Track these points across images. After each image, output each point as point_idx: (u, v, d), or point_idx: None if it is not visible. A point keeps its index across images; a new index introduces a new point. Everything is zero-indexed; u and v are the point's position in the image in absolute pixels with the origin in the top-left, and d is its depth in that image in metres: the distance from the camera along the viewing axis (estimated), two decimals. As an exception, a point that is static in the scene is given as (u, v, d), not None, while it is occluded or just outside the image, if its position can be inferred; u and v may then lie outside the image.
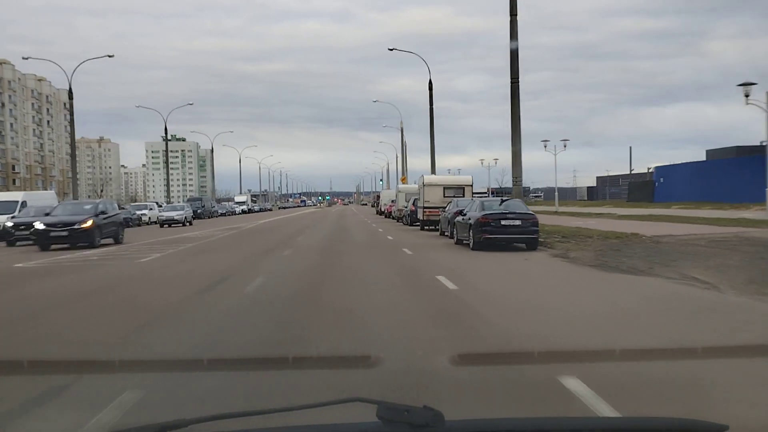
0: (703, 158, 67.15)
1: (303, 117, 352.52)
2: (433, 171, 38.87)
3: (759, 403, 4.29)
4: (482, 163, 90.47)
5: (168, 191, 70.39)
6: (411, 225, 32.69)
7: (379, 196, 70.03)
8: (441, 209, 25.17)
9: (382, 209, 56.04)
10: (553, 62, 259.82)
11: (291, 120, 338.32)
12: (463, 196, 26.60)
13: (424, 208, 28.33)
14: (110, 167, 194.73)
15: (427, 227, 28.28)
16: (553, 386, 4.56)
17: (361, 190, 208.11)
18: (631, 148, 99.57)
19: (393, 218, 44.86)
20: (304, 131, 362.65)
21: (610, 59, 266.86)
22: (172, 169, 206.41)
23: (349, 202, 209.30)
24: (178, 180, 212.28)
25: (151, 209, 49.12)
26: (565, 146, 54.55)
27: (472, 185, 29.97)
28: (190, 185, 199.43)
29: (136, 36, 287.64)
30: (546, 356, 5.58)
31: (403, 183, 51.21)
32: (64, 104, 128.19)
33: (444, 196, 27.63)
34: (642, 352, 5.81)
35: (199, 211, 58.78)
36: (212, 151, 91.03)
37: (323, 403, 1.84)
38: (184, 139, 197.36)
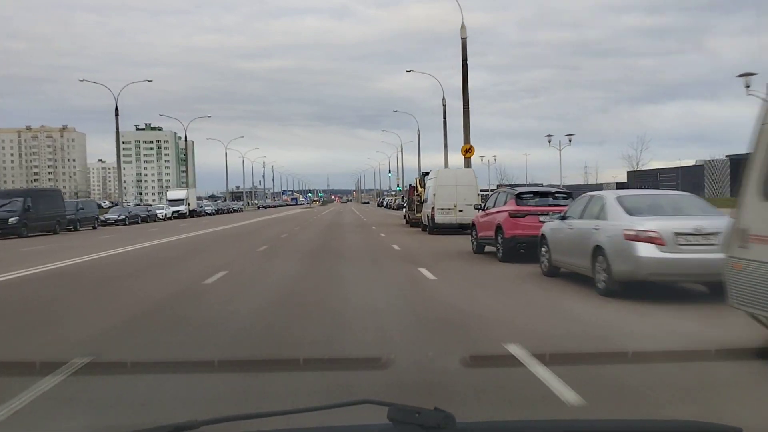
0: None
1: (302, 114, 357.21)
2: None
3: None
4: (482, 161, 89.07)
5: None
6: None
7: (413, 190, 35.30)
8: None
9: (436, 219, 26.18)
10: (554, 59, 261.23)
11: (290, 117, 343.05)
12: None
13: None
14: (74, 159, 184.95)
15: None
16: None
17: (361, 188, 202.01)
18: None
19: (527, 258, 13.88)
20: (302, 129, 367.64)
21: (610, 56, 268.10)
22: (146, 162, 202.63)
23: (348, 200, 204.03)
24: (153, 174, 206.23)
25: None
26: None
27: None
28: (167, 180, 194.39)
29: (134, 33, 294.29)
30: (558, 359, 5.76)
31: (468, 156, 31.13)
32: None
33: None
34: (655, 354, 5.99)
35: None
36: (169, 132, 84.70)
37: (334, 404, 1.94)
38: (160, 129, 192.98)
